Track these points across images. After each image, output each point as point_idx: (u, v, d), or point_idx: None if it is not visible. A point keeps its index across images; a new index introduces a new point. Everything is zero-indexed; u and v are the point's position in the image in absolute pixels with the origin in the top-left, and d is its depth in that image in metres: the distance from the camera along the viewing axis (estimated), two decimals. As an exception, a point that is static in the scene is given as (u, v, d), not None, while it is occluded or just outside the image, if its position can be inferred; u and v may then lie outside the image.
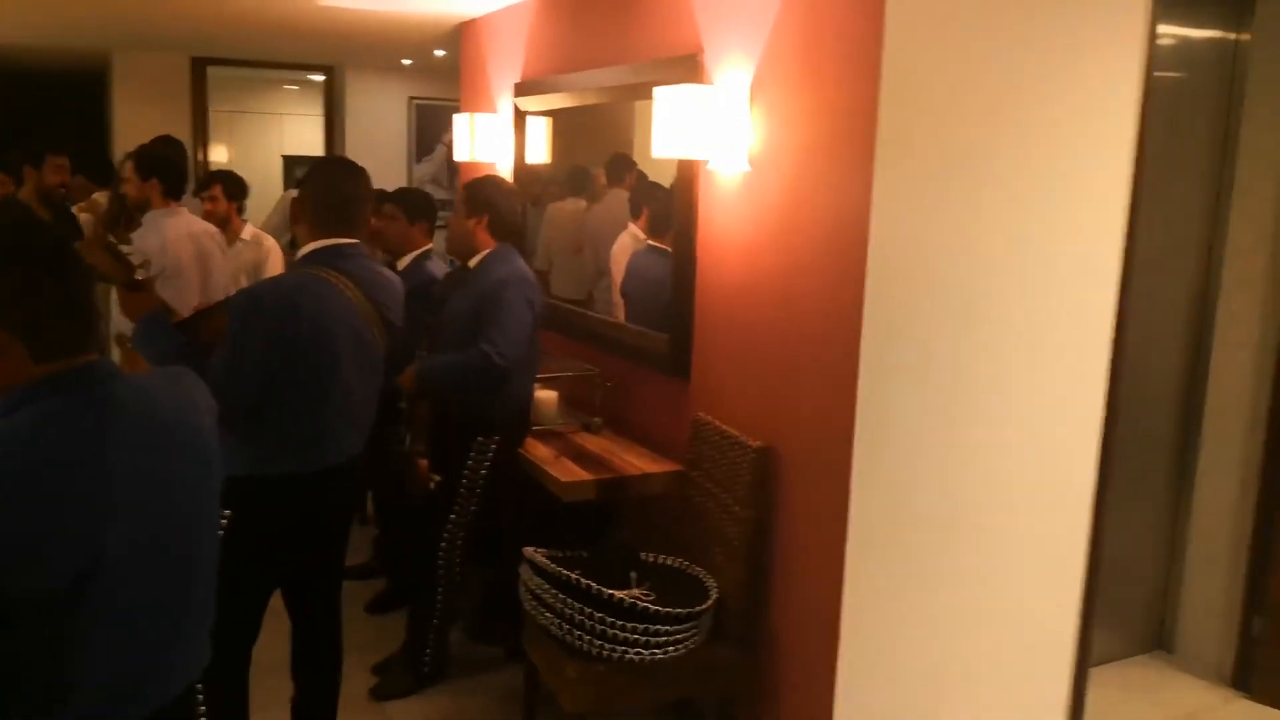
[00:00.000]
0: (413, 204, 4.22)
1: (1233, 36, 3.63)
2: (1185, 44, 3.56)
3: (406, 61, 8.24)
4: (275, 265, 5.01)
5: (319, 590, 2.87)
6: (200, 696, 1.68)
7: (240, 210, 5.10)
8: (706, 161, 3.11)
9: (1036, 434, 2.93)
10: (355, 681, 3.42)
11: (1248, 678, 3.60)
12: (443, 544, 3.43)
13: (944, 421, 2.77)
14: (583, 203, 4.40)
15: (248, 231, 5.07)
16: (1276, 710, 3.48)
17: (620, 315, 3.88)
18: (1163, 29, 3.04)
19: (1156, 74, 2.93)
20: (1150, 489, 3.81)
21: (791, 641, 2.91)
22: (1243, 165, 3.61)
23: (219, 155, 9.01)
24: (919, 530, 2.79)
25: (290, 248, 4.59)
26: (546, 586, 2.79)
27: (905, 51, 2.52)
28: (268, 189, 8.45)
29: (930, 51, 2.57)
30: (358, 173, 2.80)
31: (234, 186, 5.05)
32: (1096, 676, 3.32)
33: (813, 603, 2.81)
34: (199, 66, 8.35)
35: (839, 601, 2.71)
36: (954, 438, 2.79)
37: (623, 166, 4.04)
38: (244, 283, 4.49)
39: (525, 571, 2.91)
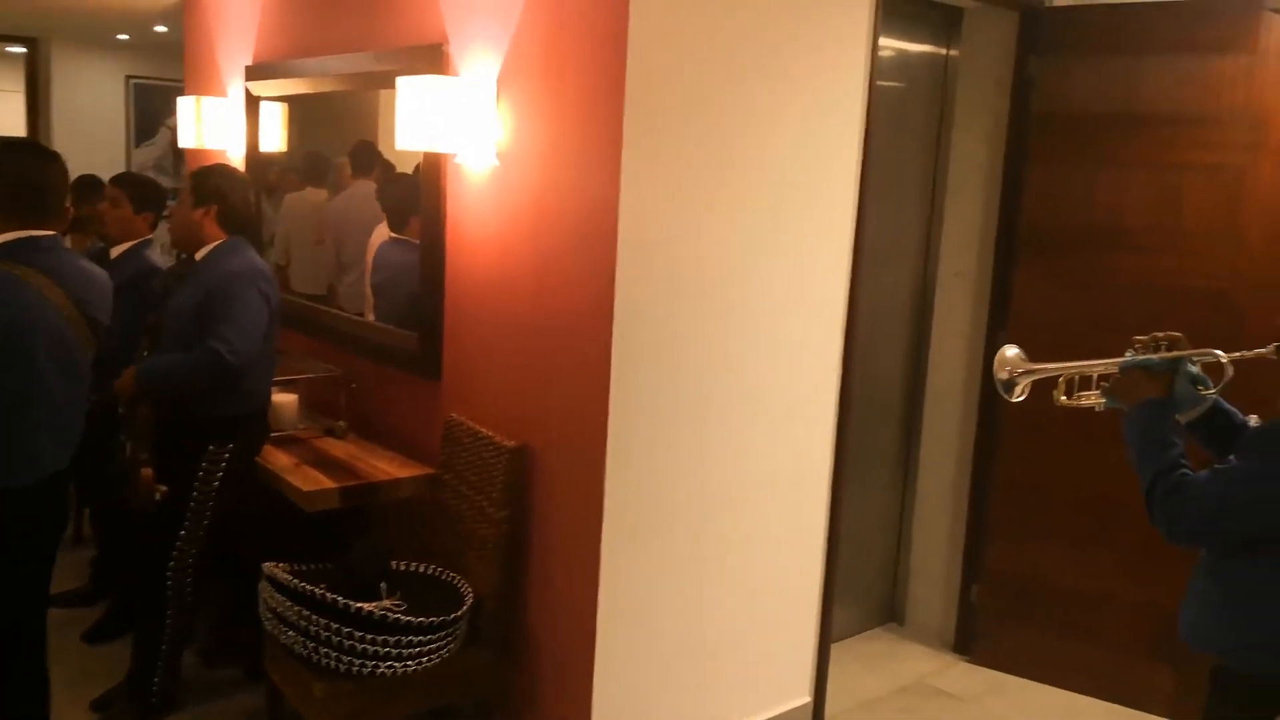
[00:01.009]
0: (140, 191, 3.87)
1: (944, 51, 3.93)
2: (903, 56, 3.82)
3: (123, 36, 7.58)
4: None
5: (18, 623, 2.57)
6: None
7: None
8: (454, 154, 3.03)
9: (778, 420, 3.06)
10: (71, 720, 3.10)
11: (968, 643, 3.92)
12: (172, 561, 3.16)
13: (692, 412, 2.83)
14: (323, 192, 4.18)
15: None
16: (994, 670, 3.80)
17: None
18: (884, 42, 3.24)
19: (879, 83, 3.12)
20: (880, 469, 4.07)
21: (550, 640, 2.89)
22: (954, 168, 3.92)
23: (-105, 133, 7.96)
24: (671, 520, 2.84)
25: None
26: (288, 603, 2.63)
27: (650, 47, 2.55)
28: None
29: (674, 49, 2.61)
30: (49, 158, 2.56)
31: None
32: (837, 652, 3.51)
33: (570, 600, 2.80)
34: None
35: (595, 596, 2.71)
36: (701, 428, 2.86)
37: (369, 156, 3.87)
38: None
39: (265, 588, 2.74)
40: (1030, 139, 3.64)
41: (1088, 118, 3.54)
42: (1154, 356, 2.08)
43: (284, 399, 3.51)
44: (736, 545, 3.02)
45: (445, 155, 3.10)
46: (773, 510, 3.10)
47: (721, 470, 2.94)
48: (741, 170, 2.81)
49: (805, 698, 3.33)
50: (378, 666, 2.58)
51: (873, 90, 3.08)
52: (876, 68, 3.08)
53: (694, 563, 2.93)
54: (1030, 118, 3.64)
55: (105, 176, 4.39)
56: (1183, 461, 1.98)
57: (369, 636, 2.57)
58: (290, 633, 2.62)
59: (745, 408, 2.96)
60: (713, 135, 2.73)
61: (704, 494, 2.91)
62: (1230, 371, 2.03)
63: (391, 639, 2.58)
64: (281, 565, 2.77)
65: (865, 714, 3.50)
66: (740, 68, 2.75)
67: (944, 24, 3.89)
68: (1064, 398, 2.25)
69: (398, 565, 2.94)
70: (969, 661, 3.87)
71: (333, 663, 2.56)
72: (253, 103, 4.29)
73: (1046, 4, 3.62)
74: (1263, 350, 1.98)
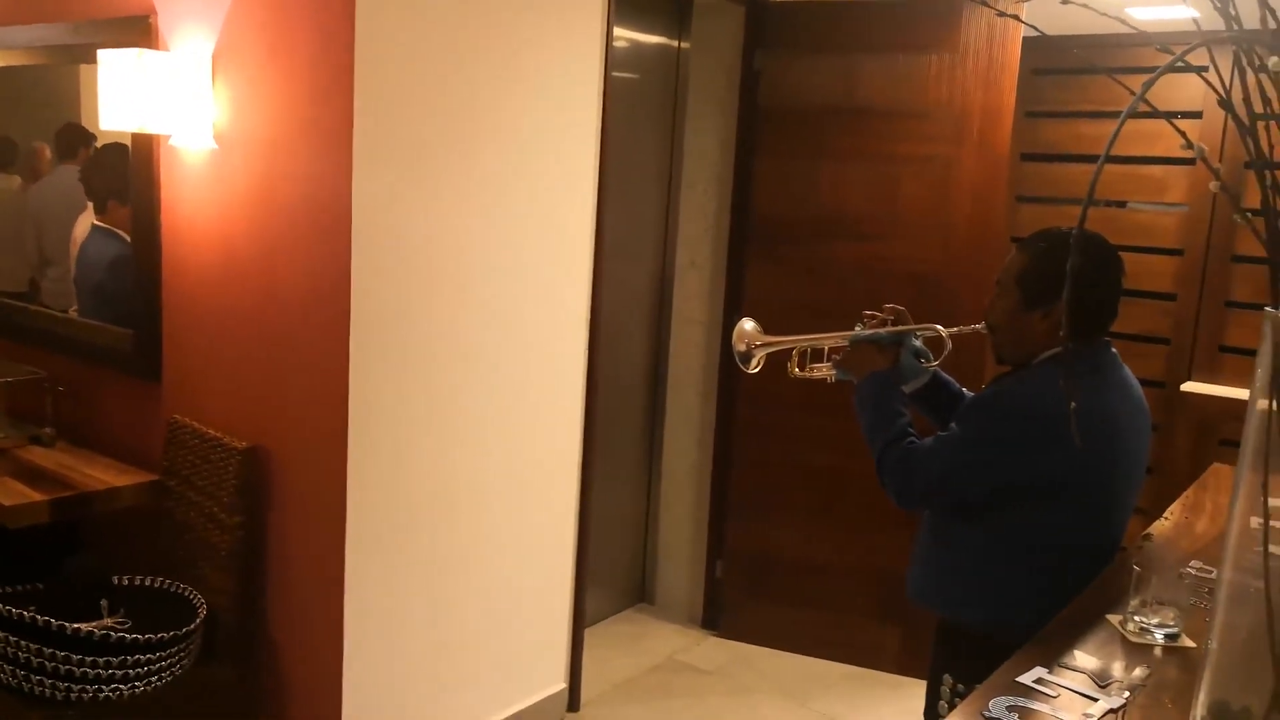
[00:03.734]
0: None
1: (675, 43, 4.05)
2: (637, 47, 3.90)
3: None
4: None
5: None
6: None
7: None
8: (168, 136, 2.82)
9: (525, 411, 3.05)
10: None
11: (715, 617, 4.07)
12: None
13: (436, 406, 2.78)
14: (15, 179, 3.79)
15: None
16: (740, 643, 3.96)
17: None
18: (618, 32, 3.28)
19: (614, 74, 3.17)
20: (627, 455, 4.16)
21: (294, 650, 2.76)
22: (688, 160, 4.04)
23: None
24: (418, 517, 2.78)
25: None
26: (-11, 632, 2.37)
27: (380, 31, 2.47)
28: None
29: (406, 33, 2.54)
30: None
31: None
32: (590, 636, 3.56)
33: (314, 607, 2.69)
34: None
35: (341, 601, 2.62)
36: (446, 421, 2.82)
37: (76, 139, 3.53)
38: None
39: (-40, 618, 2.45)
40: (757, 132, 3.81)
41: (810, 111, 3.74)
42: (881, 331, 2.20)
43: (-23, 407, 3.16)
44: (487, 539, 3.00)
45: (158, 137, 2.88)
46: (523, 501, 3.10)
47: (469, 464, 2.90)
48: (479, 159, 2.78)
49: (560, 684, 3.36)
50: (101, 690, 2.38)
51: (608, 81, 3.12)
52: (611, 58, 3.13)
53: (443, 559, 2.88)
54: (757, 111, 3.80)
55: None
56: (910, 430, 2.11)
57: (89, 659, 2.36)
58: (-7, 664, 2.37)
59: (491, 400, 2.93)
60: (448, 123, 2.68)
61: (451, 489, 2.86)
62: (949, 345, 2.20)
63: (115, 660, 2.39)
64: (-22, 591, 2.50)
65: (618, 695, 3.57)
66: (475, 53, 2.72)
67: (676, 15, 3.99)
68: (797, 370, 2.33)
69: (120, 580, 2.72)
70: (717, 636, 4.02)
71: (49, 691, 2.35)
72: (-73, 78, 3.82)
73: None
74: (976, 326, 2.15)
